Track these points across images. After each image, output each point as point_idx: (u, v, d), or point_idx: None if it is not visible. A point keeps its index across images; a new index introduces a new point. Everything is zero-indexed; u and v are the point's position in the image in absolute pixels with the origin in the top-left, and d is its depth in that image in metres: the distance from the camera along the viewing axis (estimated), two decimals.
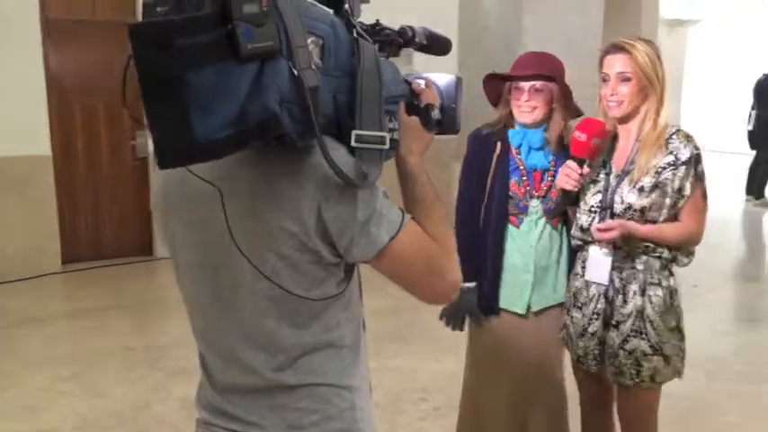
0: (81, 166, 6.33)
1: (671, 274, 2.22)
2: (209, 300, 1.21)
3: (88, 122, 6.31)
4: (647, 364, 2.17)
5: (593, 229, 2.15)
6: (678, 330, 2.22)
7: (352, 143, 1.05)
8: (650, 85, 2.11)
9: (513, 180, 2.35)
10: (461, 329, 2.47)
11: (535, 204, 2.34)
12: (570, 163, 2.17)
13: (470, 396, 2.58)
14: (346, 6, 1.10)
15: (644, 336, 2.17)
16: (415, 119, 1.22)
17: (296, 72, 0.95)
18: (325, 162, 1.01)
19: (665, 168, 2.12)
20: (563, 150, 2.31)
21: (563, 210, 2.33)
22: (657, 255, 2.17)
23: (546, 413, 2.45)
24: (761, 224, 8.49)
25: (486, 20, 6.24)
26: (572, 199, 2.25)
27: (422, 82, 1.27)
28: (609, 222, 2.12)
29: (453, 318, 2.44)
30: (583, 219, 2.25)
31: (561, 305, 2.41)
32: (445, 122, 1.30)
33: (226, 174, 1.10)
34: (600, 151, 2.19)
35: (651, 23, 8.70)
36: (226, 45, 0.90)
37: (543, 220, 2.35)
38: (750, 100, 9.06)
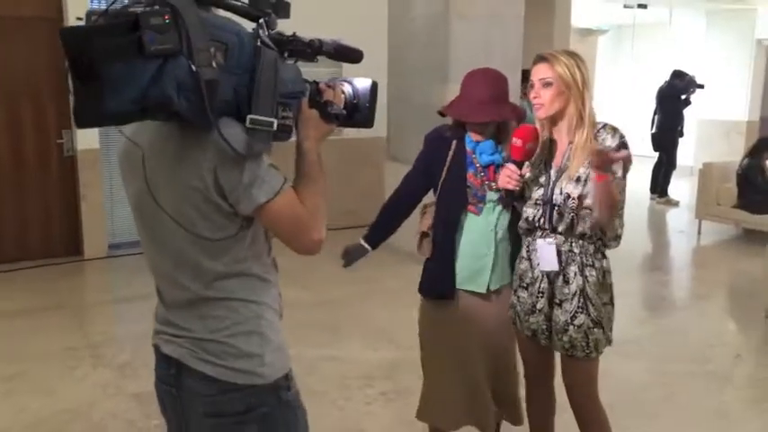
0: (5, 165, 6.18)
1: (604, 256, 2.49)
2: (151, 241, 1.57)
3: (12, 121, 6.16)
4: (591, 336, 2.44)
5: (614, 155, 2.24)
6: (611, 304, 2.51)
7: (247, 124, 1.36)
8: (568, 90, 2.36)
9: (470, 172, 2.59)
10: (345, 267, 2.77)
11: (492, 195, 2.58)
12: (510, 165, 2.41)
13: (433, 372, 2.78)
14: (261, 21, 1.41)
15: (587, 312, 2.44)
16: (314, 111, 1.54)
17: (194, 68, 1.25)
18: (226, 134, 1.33)
19: None
20: None
21: (511, 205, 2.58)
22: (592, 240, 2.43)
23: (504, 378, 2.75)
24: (664, 220, 9.15)
25: (414, 27, 6.48)
26: (516, 197, 2.51)
27: (331, 84, 1.59)
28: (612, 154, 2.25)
29: (347, 259, 2.74)
30: (529, 212, 2.49)
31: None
32: (359, 118, 1.63)
33: (152, 140, 1.46)
34: (533, 152, 2.44)
35: (563, 32, 9.17)
36: (135, 46, 1.21)
37: (500, 206, 2.59)
38: (653, 105, 9.74)
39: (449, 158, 2.62)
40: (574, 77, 2.35)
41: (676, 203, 9.51)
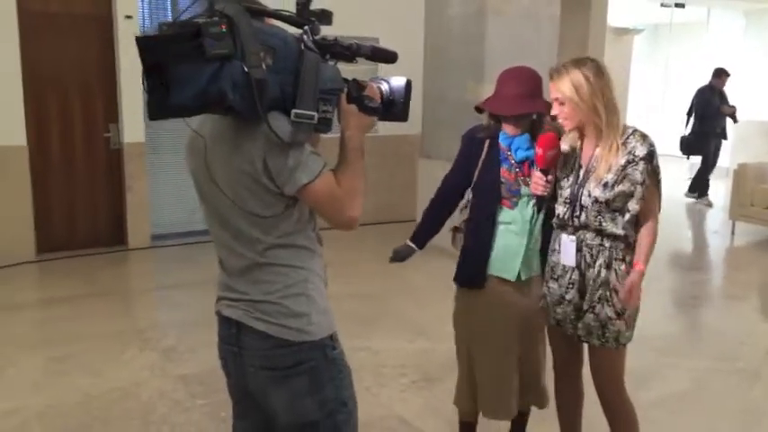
0: (55, 156, 6.43)
1: (635, 251, 2.54)
2: (213, 216, 1.79)
3: (63, 114, 6.41)
4: (611, 327, 2.53)
5: (624, 300, 2.48)
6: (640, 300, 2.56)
7: (292, 118, 1.56)
8: (579, 106, 2.44)
9: (504, 167, 2.70)
10: (390, 262, 2.90)
11: (526, 189, 2.68)
12: (536, 173, 2.55)
13: (467, 358, 2.88)
14: (305, 28, 1.62)
15: (609, 303, 2.52)
16: (353, 105, 1.74)
17: (246, 69, 1.47)
18: (274, 126, 1.55)
19: (625, 166, 2.45)
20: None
21: (544, 204, 2.69)
22: (620, 237, 2.51)
23: (533, 366, 2.83)
24: (698, 220, 9.10)
25: (451, 27, 6.57)
26: (548, 198, 2.62)
27: (365, 83, 1.80)
28: (626, 292, 2.45)
29: (395, 257, 2.89)
30: (559, 209, 2.60)
31: (540, 274, 2.80)
32: (395, 112, 1.82)
33: (212, 131, 1.69)
34: (555, 159, 2.55)
35: (599, 32, 9.19)
36: (197, 50, 1.43)
37: (534, 201, 2.69)
38: (685, 107, 9.57)
39: (482, 157, 2.73)
40: (579, 93, 2.42)
41: (709, 204, 9.42)
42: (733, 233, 7.80)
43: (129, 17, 6.27)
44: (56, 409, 3.57)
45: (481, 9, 6.17)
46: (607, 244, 2.52)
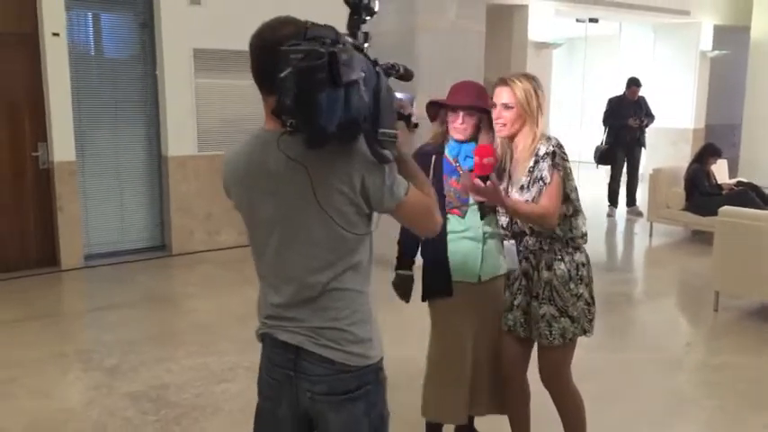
0: None
1: (576, 250, 2.75)
2: (286, 248, 1.75)
3: None
4: (556, 324, 2.71)
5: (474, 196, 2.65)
6: (586, 295, 2.75)
7: (378, 137, 1.63)
8: (525, 113, 2.66)
9: (453, 179, 2.86)
10: (407, 301, 3.05)
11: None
12: (476, 181, 2.67)
13: (437, 359, 3.00)
14: (365, 50, 1.69)
15: (552, 302, 2.71)
16: (401, 122, 1.82)
17: (362, 95, 1.55)
18: (366, 148, 1.64)
19: (533, 167, 2.66)
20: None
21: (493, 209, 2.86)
22: (559, 239, 2.72)
23: (492, 366, 2.97)
24: (619, 223, 9.42)
25: (383, 43, 6.74)
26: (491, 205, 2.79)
27: (402, 97, 1.84)
28: (482, 186, 2.55)
29: (402, 293, 3.01)
30: (501, 218, 2.81)
31: (504, 275, 2.93)
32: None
33: (307, 156, 1.64)
34: (491, 167, 2.68)
35: (521, 46, 9.58)
36: (332, 78, 1.49)
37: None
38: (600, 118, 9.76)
39: (431, 170, 2.87)
40: (530, 104, 2.64)
41: (639, 214, 9.23)
42: (651, 234, 8.24)
43: (56, 35, 6.16)
44: None
45: (411, 27, 6.38)
46: (546, 247, 2.71)
